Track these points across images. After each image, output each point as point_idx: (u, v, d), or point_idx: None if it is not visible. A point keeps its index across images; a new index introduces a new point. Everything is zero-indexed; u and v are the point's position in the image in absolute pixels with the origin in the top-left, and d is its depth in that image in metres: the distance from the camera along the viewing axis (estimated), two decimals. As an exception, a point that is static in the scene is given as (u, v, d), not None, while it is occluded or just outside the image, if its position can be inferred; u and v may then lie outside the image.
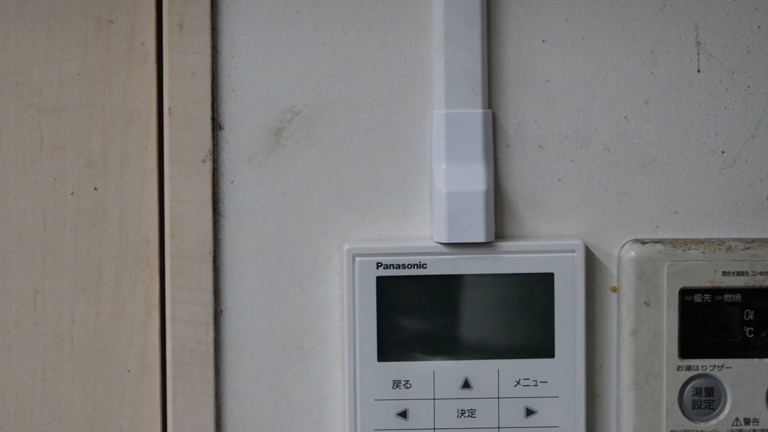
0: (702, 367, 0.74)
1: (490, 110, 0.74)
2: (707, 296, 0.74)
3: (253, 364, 0.76)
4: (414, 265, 0.74)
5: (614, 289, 0.75)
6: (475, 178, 0.73)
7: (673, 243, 0.74)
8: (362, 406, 0.74)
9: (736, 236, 0.75)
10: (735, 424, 0.74)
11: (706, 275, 0.73)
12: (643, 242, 0.74)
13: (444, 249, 0.74)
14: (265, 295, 0.76)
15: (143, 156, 0.76)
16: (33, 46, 0.75)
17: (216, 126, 0.75)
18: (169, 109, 0.74)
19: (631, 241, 0.75)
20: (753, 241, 0.74)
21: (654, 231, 0.75)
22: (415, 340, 0.74)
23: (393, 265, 0.74)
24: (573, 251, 0.74)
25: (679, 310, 0.73)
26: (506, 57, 0.74)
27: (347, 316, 0.74)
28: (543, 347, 0.74)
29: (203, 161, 0.75)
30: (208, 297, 0.75)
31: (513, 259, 0.74)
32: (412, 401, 0.74)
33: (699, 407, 0.74)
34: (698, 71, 0.75)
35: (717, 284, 0.74)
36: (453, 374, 0.74)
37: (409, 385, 0.74)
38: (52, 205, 0.76)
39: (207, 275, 0.75)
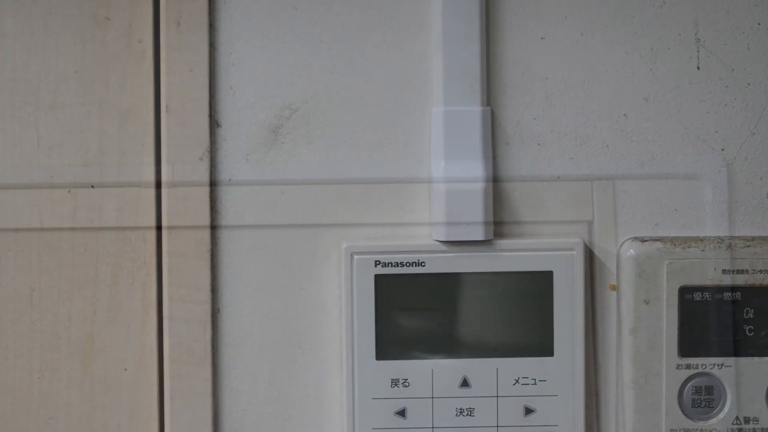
0: (702, 365, 0.74)
1: (488, 107, 0.74)
2: (707, 294, 0.73)
3: (250, 362, 0.76)
4: (412, 263, 0.74)
5: (614, 288, 0.75)
6: (474, 176, 0.73)
7: (673, 241, 0.74)
8: (360, 405, 0.74)
9: (736, 234, 0.75)
10: (735, 422, 0.74)
11: (706, 273, 0.73)
12: (643, 240, 0.74)
13: (442, 247, 0.74)
14: (262, 293, 0.75)
15: (141, 153, 0.76)
16: (30, 43, 0.75)
17: (213, 123, 0.75)
18: (167, 106, 0.74)
19: (630, 239, 0.74)
20: (753, 239, 0.74)
21: (653, 229, 0.75)
22: (414, 339, 0.74)
23: (391, 263, 0.73)
24: (572, 249, 0.74)
25: (678, 308, 0.73)
26: (505, 54, 0.74)
27: (345, 315, 0.74)
28: (542, 346, 0.74)
29: (201, 159, 0.74)
30: (206, 295, 0.75)
31: (512, 257, 0.74)
32: (410, 400, 0.74)
33: (699, 406, 0.74)
34: (698, 68, 0.74)
35: (717, 282, 0.73)
36: (451, 373, 0.74)
37: (407, 384, 0.74)
38: (49, 203, 0.76)
39: (205, 273, 0.75)
